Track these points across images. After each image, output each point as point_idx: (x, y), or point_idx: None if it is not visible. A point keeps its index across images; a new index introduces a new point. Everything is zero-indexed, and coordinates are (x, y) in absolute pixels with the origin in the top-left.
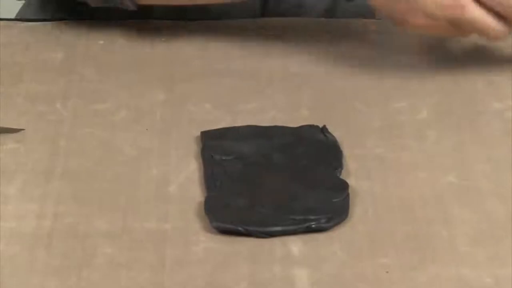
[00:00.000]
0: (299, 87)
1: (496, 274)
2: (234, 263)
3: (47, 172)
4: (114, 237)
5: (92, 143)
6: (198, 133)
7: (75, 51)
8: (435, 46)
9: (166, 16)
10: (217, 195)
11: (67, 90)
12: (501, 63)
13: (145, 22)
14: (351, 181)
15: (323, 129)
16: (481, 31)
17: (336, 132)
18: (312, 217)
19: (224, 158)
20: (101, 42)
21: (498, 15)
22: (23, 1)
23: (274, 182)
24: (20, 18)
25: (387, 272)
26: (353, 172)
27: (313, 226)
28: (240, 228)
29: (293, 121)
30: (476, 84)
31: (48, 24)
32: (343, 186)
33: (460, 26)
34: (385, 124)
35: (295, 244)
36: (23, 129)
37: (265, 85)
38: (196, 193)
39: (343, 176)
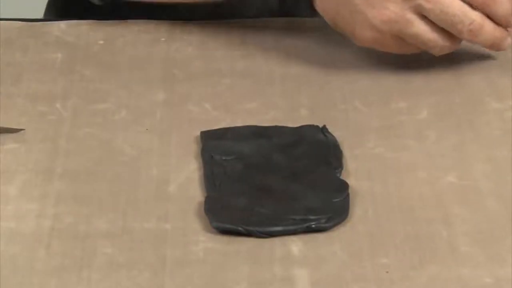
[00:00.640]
0: (299, 87)
1: (496, 274)
2: (234, 263)
3: (47, 172)
4: (114, 237)
5: (92, 143)
6: (198, 133)
7: (75, 51)
8: None
9: (166, 16)
10: (217, 195)
11: (67, 90)
12: (501, 63)
13: (145, 22)
14: (351, 181)
15: (323, 129)
16: (426, 45)
17: (336, 132)
18: (312, 217)
19: (224, 158)
20: (101, 42)
21: (444, 30)
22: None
23: (274, 182)
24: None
25: (387, 272)
26: (353, 172)
27: (313, 226)
28: (240, 228)
29: (293, 121)
30: (476, 84)
31: (48, 24)
32: (343, 186)
33: (405, 40)
34: (385, 124)
35: (295, 244)
36: (23, 129)
37: (265, 85)
38: (196, 193)
39: (343, 176)
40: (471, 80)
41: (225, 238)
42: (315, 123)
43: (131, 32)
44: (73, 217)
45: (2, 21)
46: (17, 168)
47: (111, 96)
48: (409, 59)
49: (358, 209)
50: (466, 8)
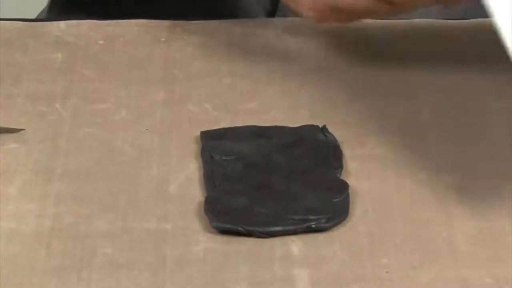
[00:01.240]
0: (299, 87)
1: (496, 274)
2: (234, 263)
3: (47, 172)
4: (114, 237)
5: (92, 143)
6: (198, 133)
7: (75, 51)
8: (434, 45)
9: (166, 16)
10: (217, 195)
11: (67, 90)
12: (502, 63)
13: (145, 22)
14: (351, 181)
15: (323, 129)
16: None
17: (336, 132)
18: (312, 217)
19: (224, 158)
20: (101, 42)
21: None
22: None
23: (274, 182)
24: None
25: (387, 272)
26: (353, 172)
27: (313, 226)
28: (240, 228)
29: (293, 121)
30: (476, 84)
31: (48, 24)
32: (343, 186)
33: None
34: (385, 124)
35: (295, 244)
36: (23, 129)
37: (265, 85)
38: (196, 193)
39: (343, 176)
40: (471, 80)
41: (225, 238)
42: (315, 123)
43: (131, 32)
44: (73, 217)
45: (2, 21)
46: (17, 168)
47: (111, 96)
48: (409, 59)
49: (358, 209)
50: None
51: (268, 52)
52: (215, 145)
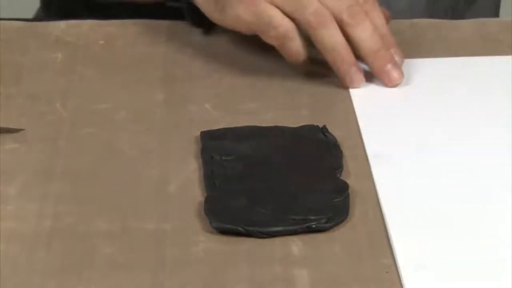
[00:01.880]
0: (299, 87)
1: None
2: (234, 263)
3: (47, 172)
4: (114, 237)
5: (92, 143)
6: (198, 133)
7: (75, 51)
8: (434, 45)
9: (166, 16)
10: (217, 195)
11: (67, 90)
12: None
13: (145, 22)
14: (351, 181)
15: (323, 129)
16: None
17: (336, 132)
18: (312, 217)
19: (224, 158)
20: (101, 42)
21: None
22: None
23: (274, 182)
24: (20, 18)
25: (387, 272)
26: (353, 172)
27: (313, 226)
28: (240, 228)
29: (293, 121)
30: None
31: (48, 24)
32: (343, 186)
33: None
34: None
35: (295, 244)
36: (23, 129)
37: (265, 85)
38: (196, 193)
39: (343, 176)
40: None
41: (225, 238)
42: (315, 123)
43: (131, 32)
44: (73, 217)
45: (2, 21)
46: (17, 168)
47: (111, 96)
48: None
49: (358, 209)
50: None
51: (268, 52)
52: (215, 145)
